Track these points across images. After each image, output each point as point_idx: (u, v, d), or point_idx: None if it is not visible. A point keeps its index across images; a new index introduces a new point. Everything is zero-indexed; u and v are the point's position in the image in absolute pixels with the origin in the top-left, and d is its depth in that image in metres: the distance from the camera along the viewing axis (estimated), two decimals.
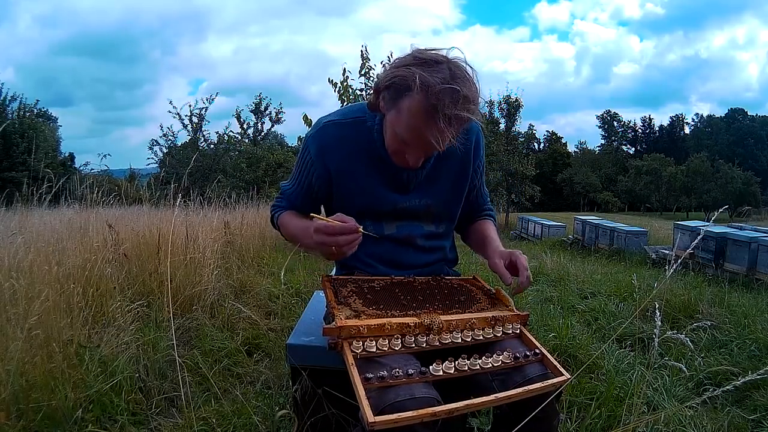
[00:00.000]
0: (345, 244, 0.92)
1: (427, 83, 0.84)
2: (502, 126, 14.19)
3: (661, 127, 53.99)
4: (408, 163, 1.00)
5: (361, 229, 0.93)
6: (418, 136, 0.91)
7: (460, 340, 0.94)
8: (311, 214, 0.98)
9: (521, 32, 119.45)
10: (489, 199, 1.31)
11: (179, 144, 19.63)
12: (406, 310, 0.96)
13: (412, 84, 0.86)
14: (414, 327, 0.92)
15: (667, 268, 1.13)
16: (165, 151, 19.51)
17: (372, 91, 0.99)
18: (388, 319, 0.91)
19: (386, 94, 0.93)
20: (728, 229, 5.07)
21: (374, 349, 0.88)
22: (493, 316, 0.98)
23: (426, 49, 0.91)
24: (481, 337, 0.96)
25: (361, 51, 6.96)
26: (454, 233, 1.26)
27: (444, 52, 0.90)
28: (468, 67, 0.89)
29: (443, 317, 0.94)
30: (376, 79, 0.99)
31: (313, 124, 1.14)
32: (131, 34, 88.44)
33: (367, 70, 6.92)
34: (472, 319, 0.96)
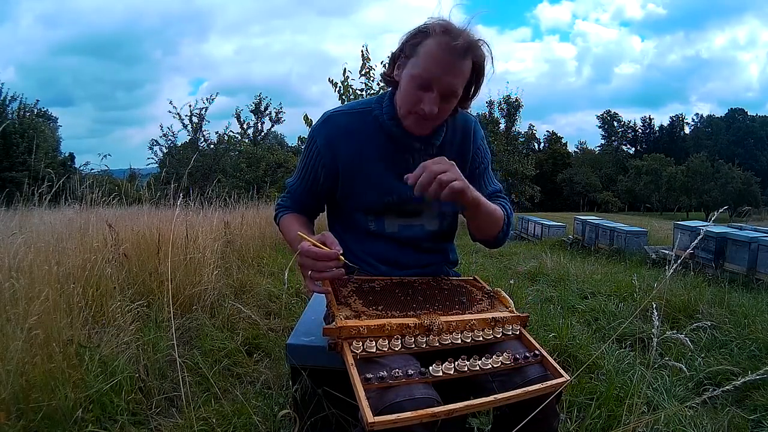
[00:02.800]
0: (323, 269, 0.93)
1: (444, 26, 0.96)
2: (502, 126, 14.18)
3: (661, 127, 54.07)
4: (423, 112, 0.99)
5: (342, 257, 0.93)
6: (441, 67, 0.96)
7: (460, 341, 0.94)
8: (298, 233, 0.98)
9: (523, 32, 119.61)
10: (500, 188, 1.23)
11: (179, 144, 19.62)
12: (406, 311, 0.96)
13: (430, 31, 0.96)
14: (414, 328, 0.92)
15: (667, 268, 1.13)
16: (165, 151, 19.50)
17: (388, 64, 1.08)
18: (388, 320, 0.91)
19: (404, 56, 1.01)
20: (728, 229, 5.06)
21: (374, 350, 0.88)
22: (492, 318, 0.98)
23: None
24: (481, 338, 0.96)
25: (362, 51, 6.97)
26: (456, 235, 1.26)
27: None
28: (484, 45, 1.00)
29: (443, 318, 0.94)
30: (391, 53, 1.07)
31: (317, 119, 1.15)
32: (133, 34, 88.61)
33: (367, 70, 6.93)
34: (472, 320, 0.96)
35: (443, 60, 0.96)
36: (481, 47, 0.99)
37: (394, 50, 1.05)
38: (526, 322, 1.02)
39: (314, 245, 0.94)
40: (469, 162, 1.15)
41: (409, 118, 1.03)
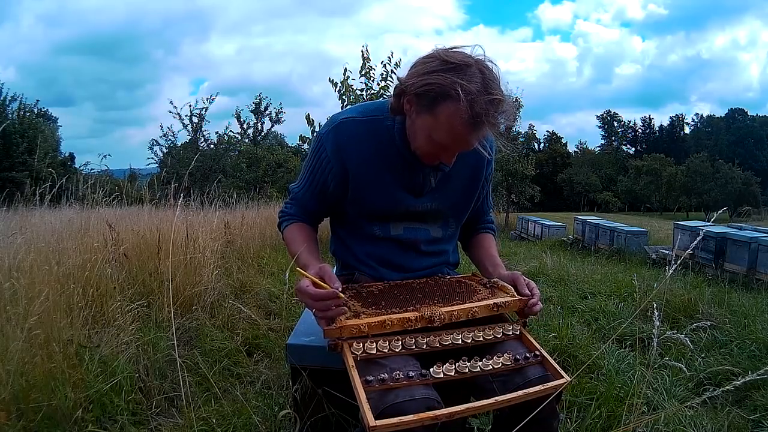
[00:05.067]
0: (324, 309, 0.89)
1: (468, 92, 0.85)
2: (502, 126, 14.16)
3: (661, 127, 54.15)
4: (440, 162, 1.01)
5: (341, 294, 0.90)
6: (460, 141, 0.92)
7: (460, 342, 0.93)
8: (297, 268, 0.96)
9: (524, 32, 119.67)
10: (491, 210, 1.31)
11: (179, 144, 19.62)
12: (405, 307, 0.95)
13: (452, 92, 0.86)
14: (415, 321, 0.91)
15: (667, 268, 1.13)
16: (165, 151, 19.50)
17: (393, 95, 0.98)
18: (388, 316, 0.91)
19: (416, 99, 0.92)
20: (728, 229, 5.07)
21: (374, 351, 0.88)
22: (495, 303, 0.97)
23: (450, 50, 0.91)
24: (482, 339, 0.96)
25: (362, 51, 6.96)
26: (457, 236, 1.26)
27: (468, 51, 0.90)
28: (493, 65, 0.90)
29: (444, 309, 0.93)
30: (398, 83, 0.96)
31: (326, 122, 1.12)
32: (134, 34, 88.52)
33: (367, 70, 6.91)
34: (473, 308, 0.95)
35: (467, 133, 0.89)
36: (508, 108, 0.89)
37: (401, 79, 0.95)
38: (526, 304, 1.00)
39: (312, 282, 0.91)
40: (482, 182, 1.16)
41: (427, 158, 1.02)
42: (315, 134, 1.17)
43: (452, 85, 0.86)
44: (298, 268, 0.96)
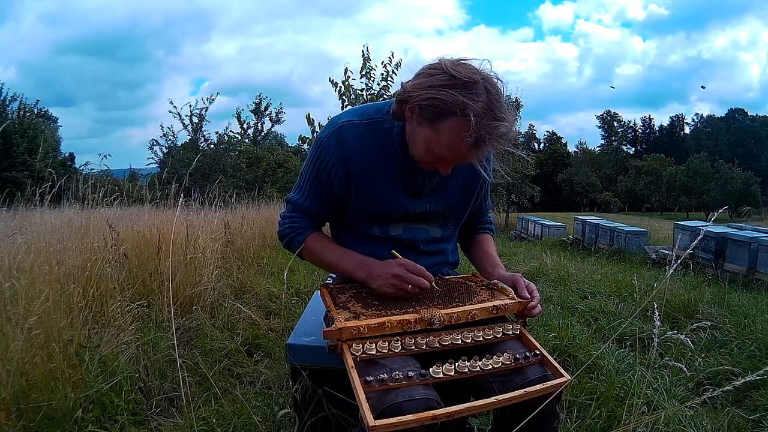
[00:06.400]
0: (411, 282, 0.98)
1: (474, 113, 0.85)
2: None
3: (661, 127, 54.13)
4: (436, 170, 1.02)
5: (432, 283, 1.01)
6: (459, 157, 0.94)
7: (460, 342, 0.93)
8: (392, 251, 1.06)
9: (525, 33, 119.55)
10: (490, 210, 1.32)
11: (179, 144, 19.61)
12: (405, 308, 0.96)
13: (456, 110, 0.86)
14: (415, 323, 0.91)
15: (667, 268, 1.13)
16: (165, 151, 19.50)
17: (395, 100, 0.98)
18: (388, 318, 0.91)
19: (419, 110, 0.92)
20: (728, 229, 5.07)
21: (374, 352, 0.88)
22: (494, 306, 0.97)
23: (458, 63, 0.91)
24: (481, 338, 0.96)
25: (363, 51, 6.96)
26: (456, 236, 1.26)
27: (476, 64, 0.90)
28: (499, 82, 0.91)
29: (443, 311, 0.93)
30: (401, 89, 0.96)
31: (325, 125, 1.11)
32: (135, 34, 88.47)
33: (368, 70, 6.91)
34: (473, 310, 0.95)
35: (467, 151, 0.90)
36: (510, 130, 0.90)
37: (406, 86, 0.94)
38: (525, 307, 1.00)
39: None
40: (480, 182, 1.16)
41: (423, 165, 1.02)
42: (315, 139, 1.16)
43: (457, 104, 0.86)
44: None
